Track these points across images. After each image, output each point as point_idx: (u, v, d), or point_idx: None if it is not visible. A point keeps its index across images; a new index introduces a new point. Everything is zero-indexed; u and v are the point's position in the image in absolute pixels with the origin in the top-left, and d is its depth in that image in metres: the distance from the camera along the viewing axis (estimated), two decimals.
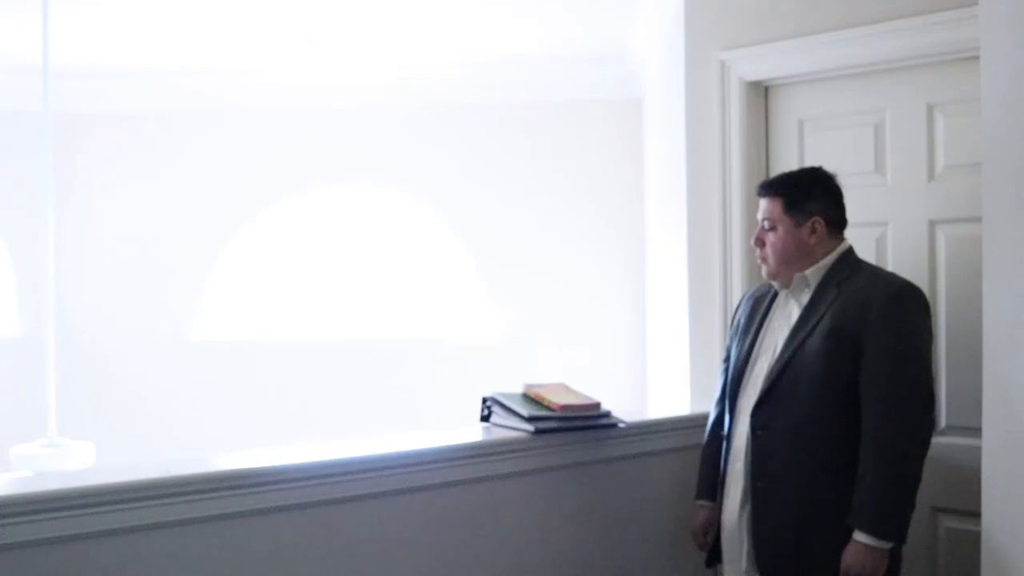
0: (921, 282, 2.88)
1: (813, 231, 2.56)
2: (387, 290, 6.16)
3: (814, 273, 2.56)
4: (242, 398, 6.02)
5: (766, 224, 2.60)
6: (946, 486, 2.82)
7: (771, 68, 3.14)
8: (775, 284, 2.65)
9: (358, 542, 2.46)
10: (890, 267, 2.95)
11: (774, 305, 2.67)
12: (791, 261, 2.57)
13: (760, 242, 2.62)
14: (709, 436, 2.84)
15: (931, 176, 2.88)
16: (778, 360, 2.53)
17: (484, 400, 2.92)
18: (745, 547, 2.56)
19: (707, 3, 3.34)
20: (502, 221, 5.82)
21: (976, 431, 2.30)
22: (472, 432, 2.84)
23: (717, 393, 2.84)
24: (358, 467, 2.47)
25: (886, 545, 2.34)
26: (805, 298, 2.56)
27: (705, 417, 3.19)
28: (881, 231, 2.98)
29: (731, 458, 2.64)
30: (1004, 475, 2.14)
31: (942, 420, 2.85)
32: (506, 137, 5.81)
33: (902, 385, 2.37)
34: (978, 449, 2.22)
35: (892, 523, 2.34)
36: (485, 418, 2.90)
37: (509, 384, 3.00)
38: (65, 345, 5.08)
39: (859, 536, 2.35)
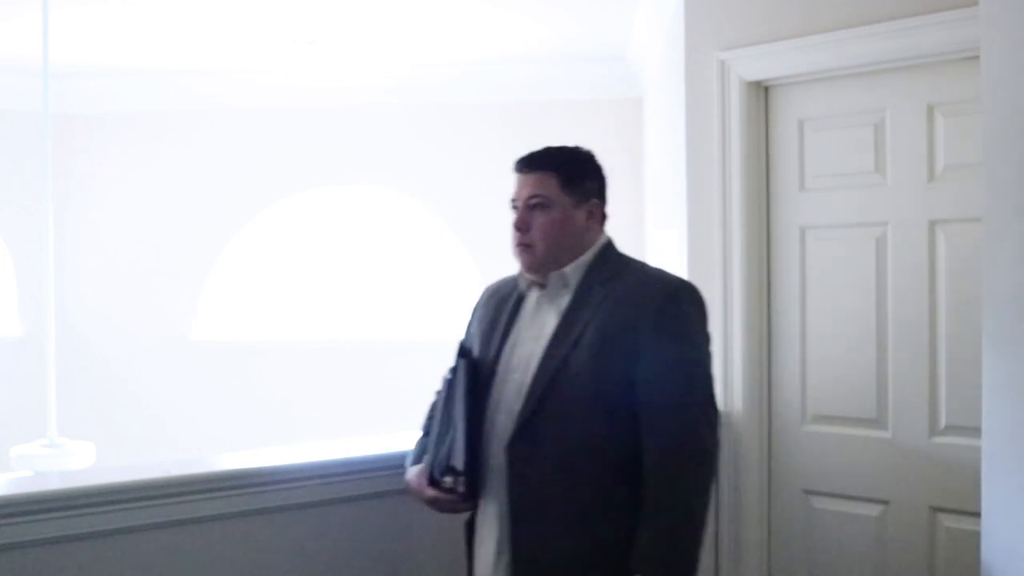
0: (921, 282, 2.88)
1: (591, 215, 2.20)
2: (387, 290, 6.16)
3: (574, 271, 2.17)
4: (242, 398, 6.03)
5: (535, 202, 2.17)
6: (946, 486, 2.82)
7: (771, 68, 3.14)
8: (530, 279, 2.23)
9: (358, 542, 2.46)
10: (890, 267, 2.95)
11: (522, 308, 2.24)
12: (562, 249, 2.17)
13: (525, 224, 2.18)
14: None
15: (931, 176, 2.88)
16: (537, 379, 2.10)
17: None
18: None
19: (707, 3, 3.34)
20: (502, 221, 5.81)
21: (976, 431, 2.30)
22: None
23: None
24: (358, 467, 2.48)
25: None
26: (564, 301, 2.16)
27: None
28: (881, 231, 2.97)
29: (485, 494, 2.17)
30: (1004, 475, 2.13)
31: (942, 420, 2.85)
32: (506, 137, 5.81)
33: (684, 402, 2.05)
34: (978, 449, 2.22)
35: (682, 568, 2.01)
36: None
37: None
38: (65, 345, 5.08)
39: None
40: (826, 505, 3.08)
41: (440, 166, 5.89)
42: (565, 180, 2.17)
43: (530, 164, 2.20)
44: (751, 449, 3.16)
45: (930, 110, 2.87)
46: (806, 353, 3.11)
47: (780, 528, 3.16)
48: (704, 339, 2.16)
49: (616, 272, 2.17)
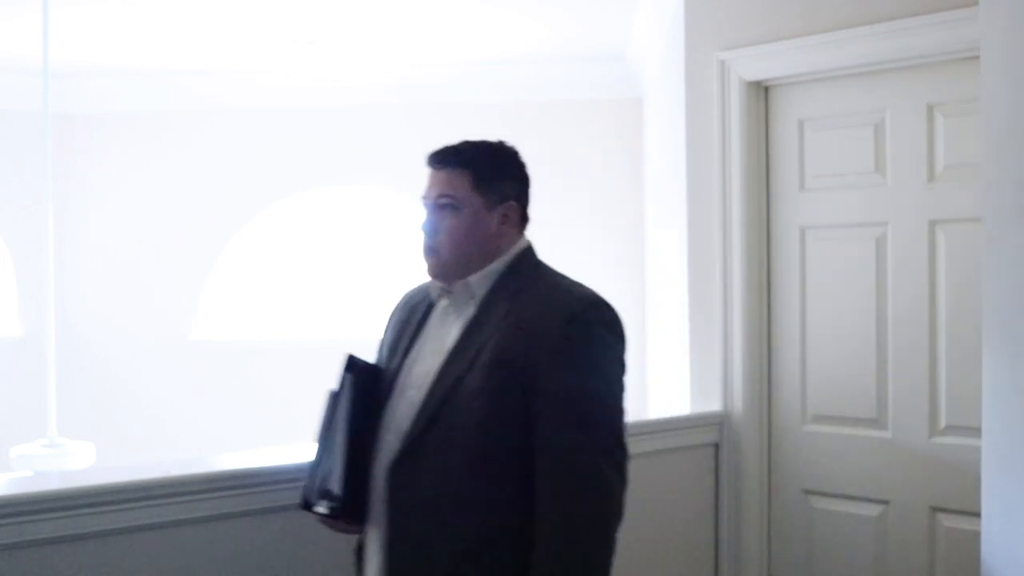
0: (921, 282, 2.89)
1: (505, 219, 1.99)
2: (387, 290, 6.17)
3: (480, 281, 1.95)
4: (242, 398, 6.03)
5: (443, 202, 1.95)
6: (946, 486, 2.82)
7: (771, 68, 3.14)
8: (438, 287, 2.02)
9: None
10: (890, 267, 2.95)
11: (430, 317, 2.03)
12: (470, 255, 1.95)
13: (431, 227, 1.97)
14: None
15: (931, 176, 2.88)
16: (427, 399, 1.89)
17: None
18: None
19: (707, 3, 3.34)
20: None
21: (976, 431, 2.30)
22: None
23: None
24: None
25: None
26: (469, 313, 1.95)
27: (706, 416, 3.20)
28: (881, 231, 2.98)
29: (370, 520, 1.97)
30: (1004, 475, 2.14)
31: (942, 420, 2.85)
32: (506, 137, 5.80)
33: (584, 440, 1.81)
34: (978, 449, 2.22)
35: None
36: None
37: None
38: (65, 345, 5.08)
39: None
40: (826, 505, 3.08)
41: None
42: (478, 179, 1.96)
43: (441, 160, 1.99)
44: (751, 449, 3.16)
45: (930, 110, 2.88)
46: (806, 353, 3.12)
47: (780, 528, 3.16)
48: (614, 366, 1.90)
49: (526, 284, 1.94)
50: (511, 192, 2.01)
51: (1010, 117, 2.12)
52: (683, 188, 3.42)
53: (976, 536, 2.23)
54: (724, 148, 3.21)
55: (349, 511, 1.96)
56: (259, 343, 6.22)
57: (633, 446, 2.97)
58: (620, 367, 1.92)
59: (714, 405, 3.22)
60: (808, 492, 3.11)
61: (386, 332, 2.13)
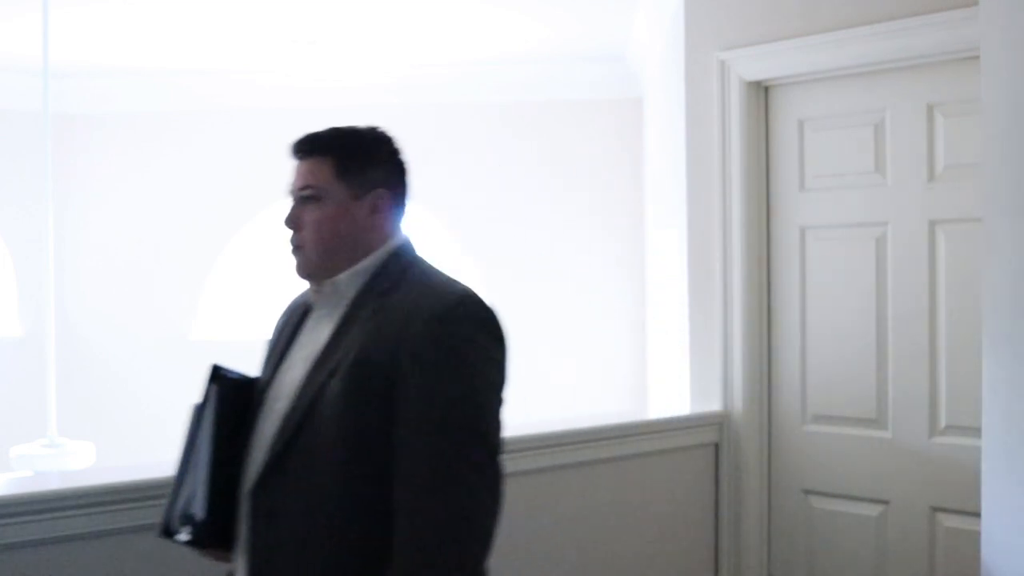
0: (921, 282, 2.89)
1: (375, 209, 1.79)
2: None
3: (351, 279, 1.77)
4: None
5: (306, 194, 1.81)
6: (946, 486, 2.82)
7: (771, 68, 3.14)
8: (311, 288, 1.85)
9: None
10: (890, 267, 2.95)
11: (305, 322, 1.85)
12: (337, 251, 1.78)
13: (294, 221, 1.83)
14: None
15: (931, 176, 2.88)
16: (291, 411, 1.70)
17: None
18: None
19: (707, 3, 3.34)
20: (501, 221, 5.82)
21: (976, 431, 2.30)
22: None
23: None
24: None
25: None
26: (339, 315, 1.76)
27: (706, 416, 3.20)
28: (881, 231, 2.98)
29: (237, 546, 1.77)
30: (1004, 475, 2.14)
31: (942, 420, 2.85)
32: (506, 137, 5.82)
33: (448, 453, 1.59)
34: (978, 449, 2.22)
35: None
36: None
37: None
38: (65, 345, 5.08)
39: None
40: (826, 505, 3.08)
41: (440, 166, 5.89)
42: (341, 167, 1.79)
43: (303, 148, 1.84)
44: (751, 449, 3.16)
45: (930, 110, 2.88)
46: (806, 353, 3.12)
47: (780, 528, 3.16)
48: (487, 369, 1.68)
49: (397, 281, 1.74)
50: (379, 179, 1.81)
51: (1010, 117, 2.12)
52: (683, 188, 3.42)
53: (976, 536, 2.23)
54: (724, 148, 3.21)
55: (213, 537, 1.76)
56: (259, 343, 6.22)
57: (633, 446, 3.00)
58: (494, 370, 1.69)
59: (714, 405, 3.22)
60: (808, 492, 3.12)
61: (269, 341, 1.94)
